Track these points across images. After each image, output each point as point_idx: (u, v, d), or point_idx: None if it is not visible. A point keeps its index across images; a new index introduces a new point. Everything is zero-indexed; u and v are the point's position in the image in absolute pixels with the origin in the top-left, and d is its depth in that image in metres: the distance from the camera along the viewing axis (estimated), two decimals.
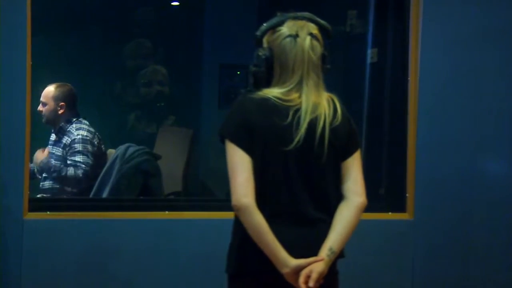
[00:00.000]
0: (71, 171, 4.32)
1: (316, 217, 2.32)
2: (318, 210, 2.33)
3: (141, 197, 4.03)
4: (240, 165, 2.27)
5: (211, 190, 4.99)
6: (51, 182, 4.42)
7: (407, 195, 3.74)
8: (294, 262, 2.25)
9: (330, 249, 2.29)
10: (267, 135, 2.29)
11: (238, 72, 5.45)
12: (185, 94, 5.38)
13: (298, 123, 2.30)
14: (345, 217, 2.33)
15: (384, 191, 3.87)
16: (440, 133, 3.75)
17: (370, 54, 4.04)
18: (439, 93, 3.74)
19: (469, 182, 3.77)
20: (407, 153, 3.74)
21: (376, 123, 3.97)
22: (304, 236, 2.31)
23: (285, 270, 2.25)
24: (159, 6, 5.60)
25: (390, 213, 3.77)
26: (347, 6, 4.38)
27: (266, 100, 2.31)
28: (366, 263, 3.61)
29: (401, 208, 3.76)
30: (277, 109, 2.30)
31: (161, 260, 3.49)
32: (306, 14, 2.40)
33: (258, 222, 2.25)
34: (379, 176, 3.91)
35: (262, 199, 2.28)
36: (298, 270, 2.25)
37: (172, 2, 5.76)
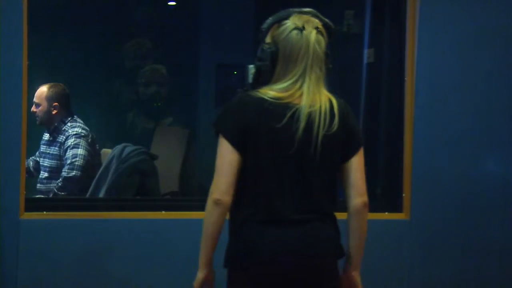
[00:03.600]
0: (65, 178, 4.31)
1: (303, 219, 2.32)
2: (307, 212, 2.33)
3: (138, 197, 4.03)
4: (230, 165, 2.29)
5: (208, 190, 4.98)
6: (47, 184, 4.43)
7: (403, 195, 3.75)
8: (210, 273, 2.39)
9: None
10: (261, 137, 2.29)
11: (235, 72, 5.44)
12: (181, 94, 5.37)
13: (296, 123, 2.30)
14: (351, 227, 2.42)
15: (380, 191, 3.87)
16: (437, 133, 3.75)
17: (367, 54, 4.05)
18: (435, 93, 3.74)
19: (465, 182, 3.78)
20: (404, 153, 3.74)
21: (372, 123, 3.97)
22: (290, 238, 2.31)
23: (200, 275, 2.39)
24: (156, 5, 5.59)
25: (386, 213, 3.78)
26: (344, 6, 4.38)
27: (263, 100, 2.31)
28: (362, 263, 3.60)
29: (398, 208, 3.76)
30: (273, 110, 2.30)
31: (158, 260, 3.49)
32: (310, 10, 2.40)
33: (220, 224, 2.32)
34: (375, 176, 3.91)
35: (252, 201, 2.29)
36: (207, 281, 2.39)
37: (169, 1, 5.76)
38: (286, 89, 2.32)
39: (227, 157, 2.29)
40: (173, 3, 5.76)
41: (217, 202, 2.30)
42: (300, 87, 2.32)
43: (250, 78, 2.49)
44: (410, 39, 3.72)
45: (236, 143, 2.29)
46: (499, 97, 3.82)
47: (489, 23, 3.79)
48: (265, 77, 2.37)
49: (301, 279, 2.32)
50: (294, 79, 2.32)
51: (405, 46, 3.73)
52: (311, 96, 2.31)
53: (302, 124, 2.30)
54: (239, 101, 2.34)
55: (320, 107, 2.32)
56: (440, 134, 3.75)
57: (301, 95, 2.32)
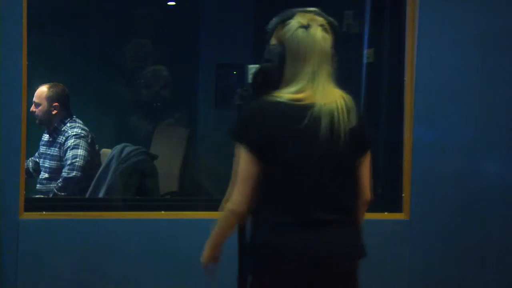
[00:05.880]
0: (65, 179, 4.32)
1: (330, 219, 2.31)
2: (334, 212, 2.33)
3: (138, 197, 4.03)
4: (250, 178, 2.28)
5: (208, 190, 4.99)
6: (47, 184, 4.43)
7: (403, 195, 3.75)
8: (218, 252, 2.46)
9: None
10: (285, 141, 2.28)
11: (235, 72, 5.45)
12: (181, 94, 5.38)
13: (318, 123, 2.28)
14: None
15: (380, 191, 3.87)
16: (436, 133, 3.75)
17: (367, 54, 4.05)
18: (435, 93, 3.74)
19: (465, 182, 3.78)
20: (404, 153, 3.74)
21: (372, 124, 3.97)
22: (317, 242, 2.30)
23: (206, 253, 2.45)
24: (156, 5, 5.60)
25: (386, 213, 3.78)
26: (344, 6, 4.38)
27: (281, 104, 2.29)
28: (362, 262, 3.60)
29: (398, 208, 3.76)
30: (293, 113, 2.28)
31: (157, 260, 3.49)
32: (314, 9, 2.40)
33: (233, 228, 2.39)
34: (375, 176, 3.90)
35: (279, 205, 2.28)
36: (213, 258, 2.46)
37: (169, 1, 5.76)
38: (300, 90, 2.31)
39: (247, 168, 2.28)
40: (173, 3, 5.76)
41: (233, 212, 2.32)
42: (313, 86, 2.31)
43: (250, 78, 2.49)
44: (409, 39, 3.72)
45: (257, 154, 2.27)
46: (499, 97, 3.82)
47: (488, 22, 3.79)
48: (273, 78, 2.35)
49: (325, 281, 2.32)
50: (306, 79, 2.31)
51: (404, 46, 3.73)
52: (326, 94, 2.31)
53: (323, 123, 2.29)
54: (257, 108, 2.32)
55: (337, 103, 2.32)
56: (440, 134, 3.76)
57: (316, 94, 2.31)
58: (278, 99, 2.30)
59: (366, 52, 4.06)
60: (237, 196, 2.29)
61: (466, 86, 3.78)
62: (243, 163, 2.28)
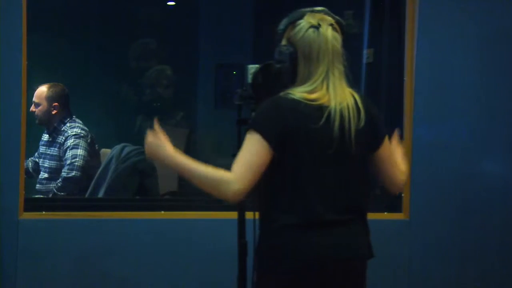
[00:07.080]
0: (65, 179, 4.31)
1: (343, 220, 2.32)
2: (346, 212, 2.33)
3: (137, 197, 4.03)
4: (261, 165, 2.25)
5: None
6: (47, 184, 4.43)
7: (403, 195, 3.75)
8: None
9: None
10: (300, 140, 2.28)
11: (234, 72, 5.45)
12: (181, 94, 5.38)
13: (332, 123, 2.28)
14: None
15: (380, 192, 3.87)
16: (436, 133, 3.75)
17: (366, 54, 4.05)
18: (434, 93, 3.74)
19: (464, 183, 3.78)
20: (403, 153, 3.74)
21: None
22: (329, 243, 2.30)
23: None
24: (156, 5, 5.60)
25: (386, 213, 3.78)
26: (343, 6, 4.38)
27: (298, 103, 2.29)
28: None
29: (397, 208, 3.77)
30: (309, 113, 2.28)
31: (157, 260, 3.49)
32: (322, 8, 2.40)
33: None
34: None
35: (291, 205, 2.27)
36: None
37: (168, 1, 5.76)
38: (314, 90, 2.31)
39: (260, 156, 2.25)
40: (173, 3, 5.77)
41: (235, 198, 2.27)
42: (327, 86, 2.31)
43: (249, 78, 2.49)
44: (409, 39, 3.72)
45: (273, 143, 2.25)
46: (499, 97, 3.82)
47: (488, 22, 3.79)
48: (285, 79, 2.35)
49: (338, 282, 2.32)
50: (320, 79, 2.31)
51: (404, 46, 3.74)
52: (338, 94, 2.31)
53: (336, 123, 2.29)
54: (275, 104, 2.31)
55: (347, 103, 2.32)
56: (439, 135, 3.76)
57: (329, 94, 2.31)
58: (295, 98, 2.30)
59: (366, 52, 4.06)
60: (246, 184, 2.23)
61: (466, 86, 3.78)
62: (257, 149, 2.25)
